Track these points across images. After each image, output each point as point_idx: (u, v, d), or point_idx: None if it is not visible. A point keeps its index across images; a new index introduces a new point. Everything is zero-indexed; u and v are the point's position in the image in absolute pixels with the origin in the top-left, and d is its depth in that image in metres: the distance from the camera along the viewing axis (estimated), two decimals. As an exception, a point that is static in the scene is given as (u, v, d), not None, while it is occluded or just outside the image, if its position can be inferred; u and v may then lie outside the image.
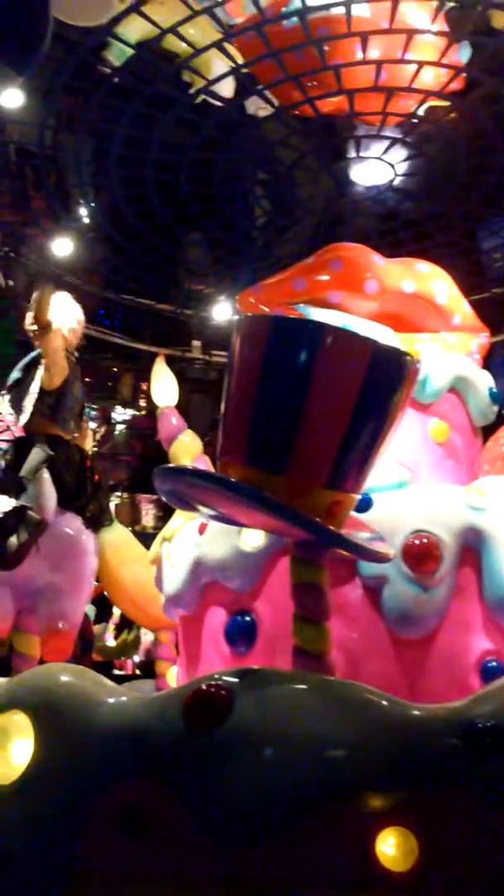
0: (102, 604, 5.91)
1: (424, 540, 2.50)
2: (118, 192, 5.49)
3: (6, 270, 6.31)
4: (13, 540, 3.39)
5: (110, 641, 6.85)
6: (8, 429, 4.47)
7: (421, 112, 4.59)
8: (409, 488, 2.90)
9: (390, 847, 1.61)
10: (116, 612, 6.61)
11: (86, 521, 3.84)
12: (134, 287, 6.89)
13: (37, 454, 3.72)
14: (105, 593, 5.00)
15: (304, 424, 1.99)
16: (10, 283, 6.43)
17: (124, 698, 1.85)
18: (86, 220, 5.90)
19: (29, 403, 3.87)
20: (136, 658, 8.33)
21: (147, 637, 7.75)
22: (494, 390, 3.39)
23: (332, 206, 5.72)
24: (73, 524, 3.78)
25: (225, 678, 1.73)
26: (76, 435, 4.01)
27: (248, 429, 2.06)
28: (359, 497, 2.18)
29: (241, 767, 1.59)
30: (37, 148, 5.22)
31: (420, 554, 2.49)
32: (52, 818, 1.76)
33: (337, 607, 2.67)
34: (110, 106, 4.80)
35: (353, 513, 2.32)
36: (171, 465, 2.71)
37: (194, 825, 1.64)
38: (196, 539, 2.96)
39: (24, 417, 3.87)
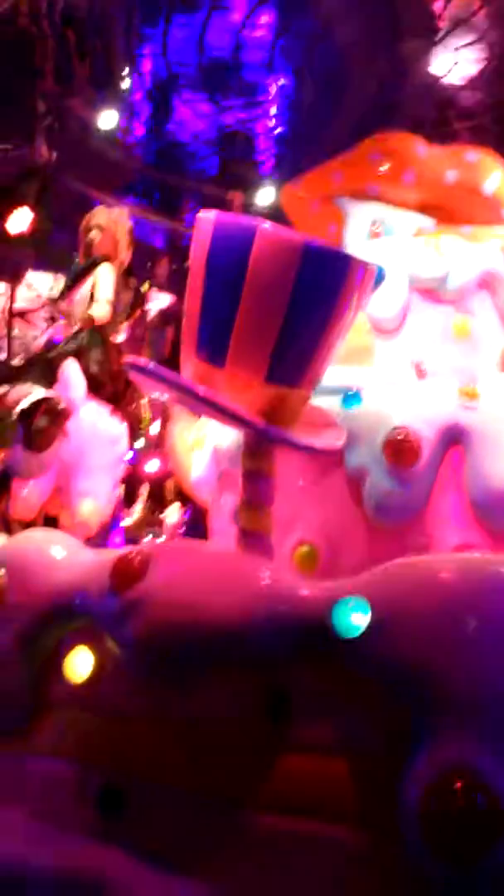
0: (128, 487, 6.12)
1: (405, 434, 2.51)
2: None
3: (50, 142, 6.21)
4: (37, 426, 3.82)
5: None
6: (44, 306, 4.65)
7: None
8: (404, 385, 2.88)
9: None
10: (143, 494, 6.83)
11: (121, 419, 4.26)
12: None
13: (69, 345, 4.18)
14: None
15: (239, 321, 2.10)
16: (54, 154, 6.33)
17: (80, 558, 2.13)
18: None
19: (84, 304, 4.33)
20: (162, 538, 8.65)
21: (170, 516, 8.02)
22: None
23: (386, 90, 5.46)
24: (99, 412, 4.16)
25: (146, 549, 1.99)
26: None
27: (197, 324, 2.20)
28: (309, 393, 2.27)
29: (147, 620, 1.84)
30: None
31: (399, 448, 2.50)
32: (9, 651, 2.08)
33: (321, 496, 2.75)
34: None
35: (335, 407, 2.45)
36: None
37: (117, 664, 1.94)
38: (213, 428, 3.04)
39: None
